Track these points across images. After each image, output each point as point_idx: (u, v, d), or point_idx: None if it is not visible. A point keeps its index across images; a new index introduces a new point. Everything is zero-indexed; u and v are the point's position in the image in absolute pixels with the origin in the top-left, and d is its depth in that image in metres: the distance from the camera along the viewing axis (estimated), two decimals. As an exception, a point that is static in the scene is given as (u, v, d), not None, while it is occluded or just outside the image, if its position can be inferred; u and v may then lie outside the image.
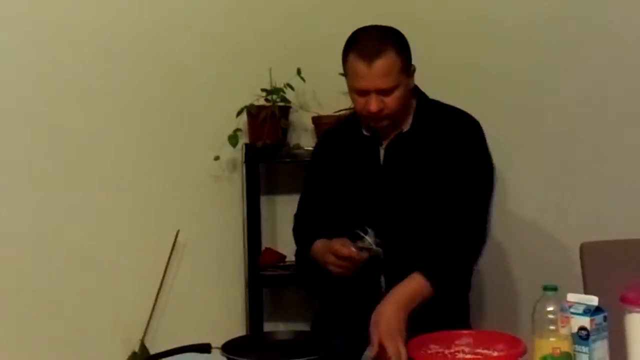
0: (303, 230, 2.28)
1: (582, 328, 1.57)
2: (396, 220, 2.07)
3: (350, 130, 2.23)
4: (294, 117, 2.99)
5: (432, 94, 2.20)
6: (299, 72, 2.82)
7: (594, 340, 1.57)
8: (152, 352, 2.63)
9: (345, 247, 1.96)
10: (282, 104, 2.86)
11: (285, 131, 2.91)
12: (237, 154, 2.91)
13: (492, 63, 2.78)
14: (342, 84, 2.13)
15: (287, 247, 2.41)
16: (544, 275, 1.84)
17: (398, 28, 2.09)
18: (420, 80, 2.16)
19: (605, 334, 1.59)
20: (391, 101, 2.03)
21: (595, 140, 2.62)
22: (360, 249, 1.95)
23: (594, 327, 1.57)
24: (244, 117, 2.86)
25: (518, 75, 2.74)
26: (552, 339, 1.53)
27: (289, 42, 2.95)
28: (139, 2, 2.87)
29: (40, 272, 2.73)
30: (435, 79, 2.29)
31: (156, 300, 2.83)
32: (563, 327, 1.54)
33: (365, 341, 1.88)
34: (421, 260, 1.96)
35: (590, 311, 1.57)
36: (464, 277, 2.08)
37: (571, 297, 1.62)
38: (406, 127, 2.13)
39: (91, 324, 2.78)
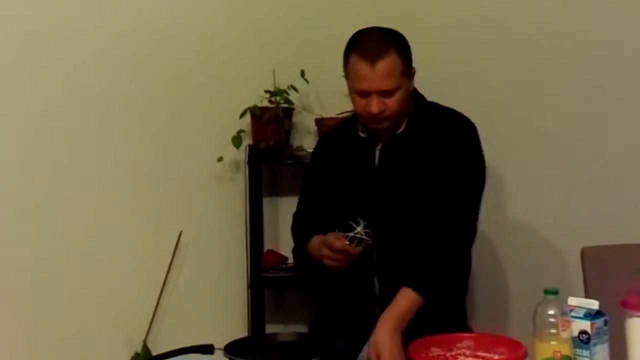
0: (301, 229, 2.30)
1: (582, 332, 1.57)
2: (389, 221, 2.08)
3: (347, 131, 2.24)
4: (297, 118, 3.00)
5: (432, 96, 2.20)
6: (302, 73, 2.82)
7: (595, 344, 1.57)
8: (154, 353, 2.64)
9: (339, 240, 1.98)
10: (285, 105, 2.86)
11: (288, 133, 2.91)
12: (241, 155, 2.91)
13: (492, 64, 2.78)
14: (346, 86, 2.13)
15: (289, 249, 2.41)
16: (544, 279, 1.84)
17: (399, 30, 2.09)
18: (421, 81, 2.16)
19: (606, 337, 1.60)
20: (392, 103, 2.04)
21: (596, 142, 2.62)
22: (352, 239, 1.97)
23: (594, 331, 1.57)
24: (247, 118, 2.86)
25: (518, 76, 2.73)
26: (552, 343, 1.54)
27: (292, 43, 2.95)
28: (140, 2, 2.88)
29: (41, 273, 2.73)
30: (436, 80, 2.30)
31: (158, 301, 2.84)
32: (564, 330, 1.55)
33: (361, 342, 1.89)
34: (411, 271, 1.97)
35: (591, 315, 1.58)
36: (454, 282, 2.09)
37: (572, 300, 1.62)
38: (401, 129, 2.14)
39: (93, 325, 2.78)
